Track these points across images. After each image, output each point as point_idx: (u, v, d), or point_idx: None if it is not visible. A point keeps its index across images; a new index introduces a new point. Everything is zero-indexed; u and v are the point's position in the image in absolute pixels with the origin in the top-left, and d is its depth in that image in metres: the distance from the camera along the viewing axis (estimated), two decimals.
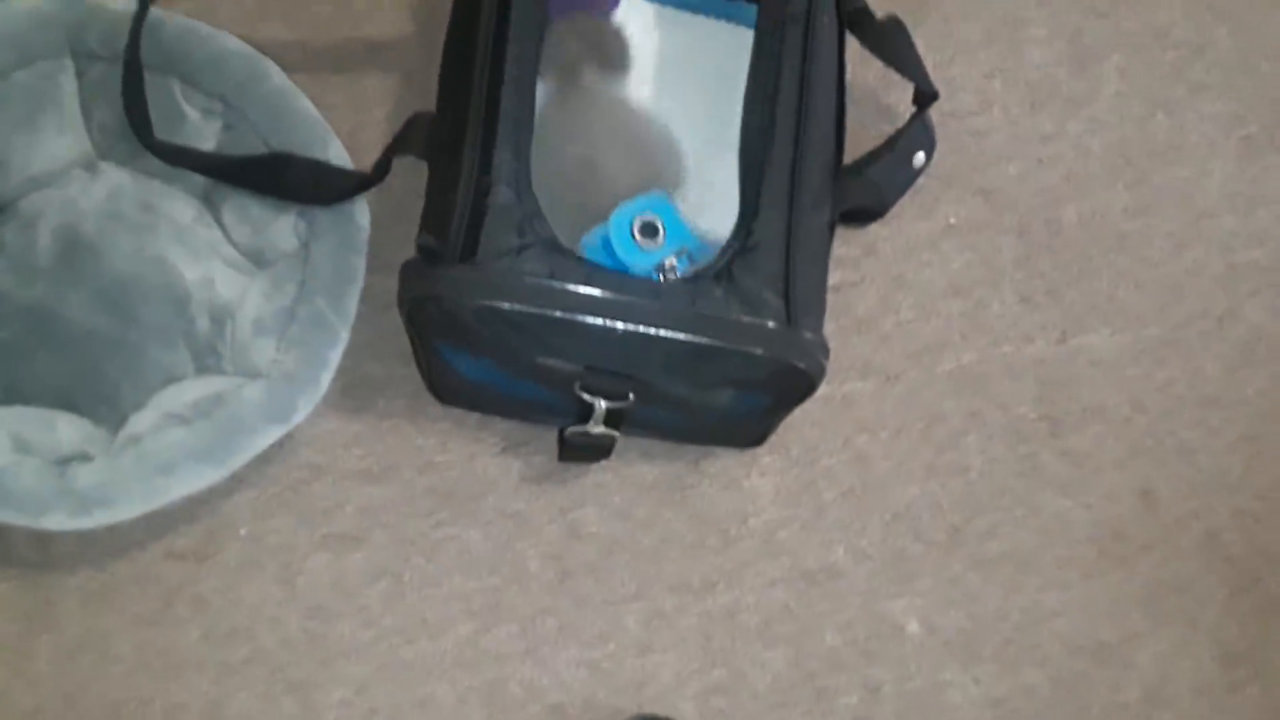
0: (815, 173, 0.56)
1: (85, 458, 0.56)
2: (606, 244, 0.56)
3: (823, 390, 0.68)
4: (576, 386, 0.56)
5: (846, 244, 0.71)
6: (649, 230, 0.57)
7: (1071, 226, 0.73)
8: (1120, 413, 0.70)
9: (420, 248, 0.53)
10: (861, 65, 0.69)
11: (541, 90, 0.57)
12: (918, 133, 0.65)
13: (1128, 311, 0.72)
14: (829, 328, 0.69)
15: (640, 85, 0.68)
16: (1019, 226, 0.73)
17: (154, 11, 0.62)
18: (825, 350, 0.55)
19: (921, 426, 0.69)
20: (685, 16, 0.70)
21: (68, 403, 0.59)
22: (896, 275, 0.71)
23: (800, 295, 0.53)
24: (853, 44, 0.66)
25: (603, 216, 0.57)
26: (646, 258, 0.56)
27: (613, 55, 0.67)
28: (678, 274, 0.55)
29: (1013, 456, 0.69)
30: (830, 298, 0.70)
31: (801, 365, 0.53)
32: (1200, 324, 0.72)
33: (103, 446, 0.57)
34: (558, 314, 0.51)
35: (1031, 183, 0.74)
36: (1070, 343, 0.71)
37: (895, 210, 0.70)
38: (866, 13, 0.62)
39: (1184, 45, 0.78)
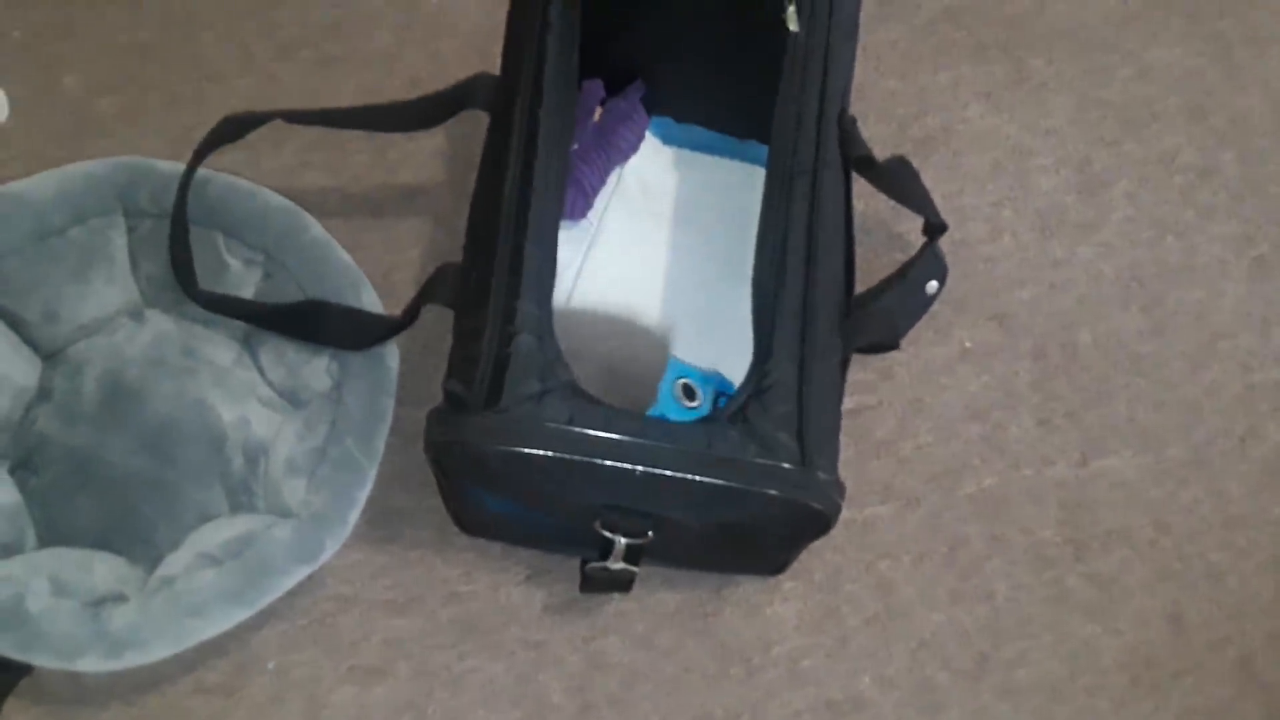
0: (825, 317, 0.56)
1: (120, 598, 0.57)
2: (664, 418, 0.59)
3: (844, 515, 0.67)
4: (597, 524, 0.56)
5: (864, 369, 0.71)
6: (689, 392, 0.60)
7: (1087, 349, 0.73)
8: (1145, 535, 0.69)
9: (447, 393, 0.54)
10: (873, 197, 0.70)
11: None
12: (929, 262, 0.66)
13: (1148, 433, 0.71)
14: (849, 451, 0.68)
15: (660, 225, 0.69)
16: (1034, 350, 0.73)
17: (200, 170, 0.64)
18: (840, 489, 0.55)
19: (944, 551, 0.68)
20: (702, 157, 0.73)
21: (105, 543, 0.59)
22: (914, 399, 0.71)
23: (813, 436, 0.53)
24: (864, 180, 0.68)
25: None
26: (698, 414, 0.60)
27: (635, 202, 0.69)
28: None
29: (1038, 582, 0.67)
30: (849, 422, 0.69)
31: (816, 505, 0.53)
32: (1222, 444, 0.71)
33: (137, 586, 0.58)
34: (577, 458, 0.52)
35: (1045, 307, 0.74)
36: (1091, 465, 0.70)
37: (911, 336, 0.70)
38: (870, 159, 0.63)
39: (1191, 170, 0.79)
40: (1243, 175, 0.79)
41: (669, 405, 0.60)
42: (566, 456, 0.52)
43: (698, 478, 0.52)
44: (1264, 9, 0.84)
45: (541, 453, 0.52)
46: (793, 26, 0.61)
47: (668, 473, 0.52)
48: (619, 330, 0.65)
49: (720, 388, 0.63)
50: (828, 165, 0.59)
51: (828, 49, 0.61)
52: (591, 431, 0.52)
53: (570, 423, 0.52)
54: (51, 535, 0.60)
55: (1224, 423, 0.71)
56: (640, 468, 0.52)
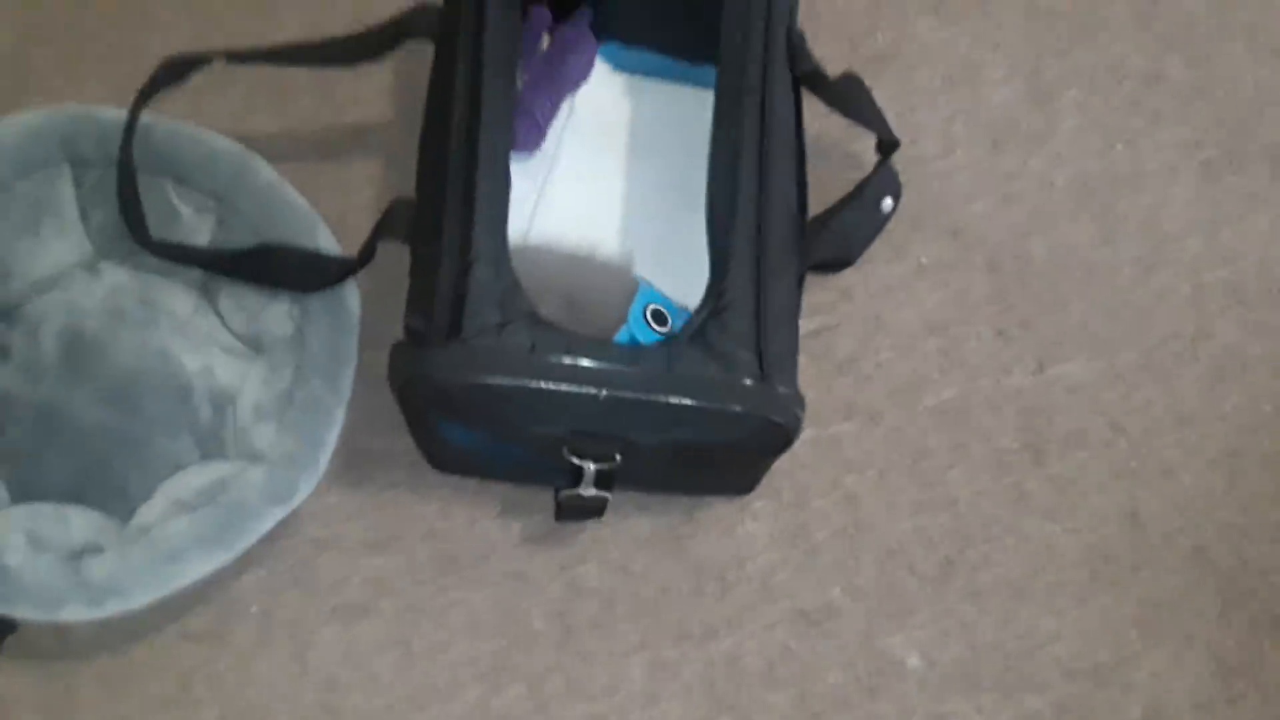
0: (779, 234, 0.57)
1: (97, 549, 0.58)
2: (633, 340, 0.60)
3: (809, 433, 0.69)
4: (565, 451, 0.57)
5: (823, 289, 0.72)
6: (659, 318, 0.61)
7: (1040, 260, 0.75)
8: (1101, 437, 0.71)
9: (408, 329, 0.54)
10: (826, 117, 0.71)
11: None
12: (883, 179, 0.67)
13: (1101, 338, 0.73)
14: (811, 371, 0.70)
15: (615, 155, 0.70)
16: (989, 263, 0.74)
17: (144, 116, 0.64)
18: (800, 403, 0.56)
19: (908, 463, 0.70)
20: (653, 84, 0.73)
21: (78, 496, 0.60)
22: (873, 316, 0.73)
23: (773, 352, 0.55)
24: (817, 99, 0.69)
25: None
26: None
27: (588, 132, 0.69)
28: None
29: (998, 487, 0.69)
30: (810, 342, 0.71)
31: (778, 420, 0.54)
32: (1173, 345, 0.73)
33: (113, 536, 0.59)
34: (541, 384, 0.53)
35: (998, 220, 0.75)
36: (1047, 372, 0.72)
37: (868, 254, 0.71)
38: (820, 74, 0.64)
39: (1138, 76, 0.80)
40: (1189, 80, 0.80)
41: (640, 327, 0.61)
42: (530, 384, 0.53)
43: (660, 398, 0.53)
44: None
45: (505, 381, 0.52)
46: None
47: (630, 394, 0.53)
48: (580, 263, 0.66)
49: (689, 320, 0.63)
50: (777, 81, 0.60)
51: None
52: (553, 358, 0.53)
53: (532, 350, 0.53)
54: (23, 492, 0.60)
55: (1174, 325, 0.74)
56: (604, 391, 0.53)
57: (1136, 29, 0.81)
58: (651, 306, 0.61)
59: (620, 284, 0.64)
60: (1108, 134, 0.78)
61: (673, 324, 0.61)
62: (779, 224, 0.57)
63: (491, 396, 0.53)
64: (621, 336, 0.61)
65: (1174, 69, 0.80)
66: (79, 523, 0.58)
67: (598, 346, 0.54)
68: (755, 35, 0.60)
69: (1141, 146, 0.78)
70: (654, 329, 0.61)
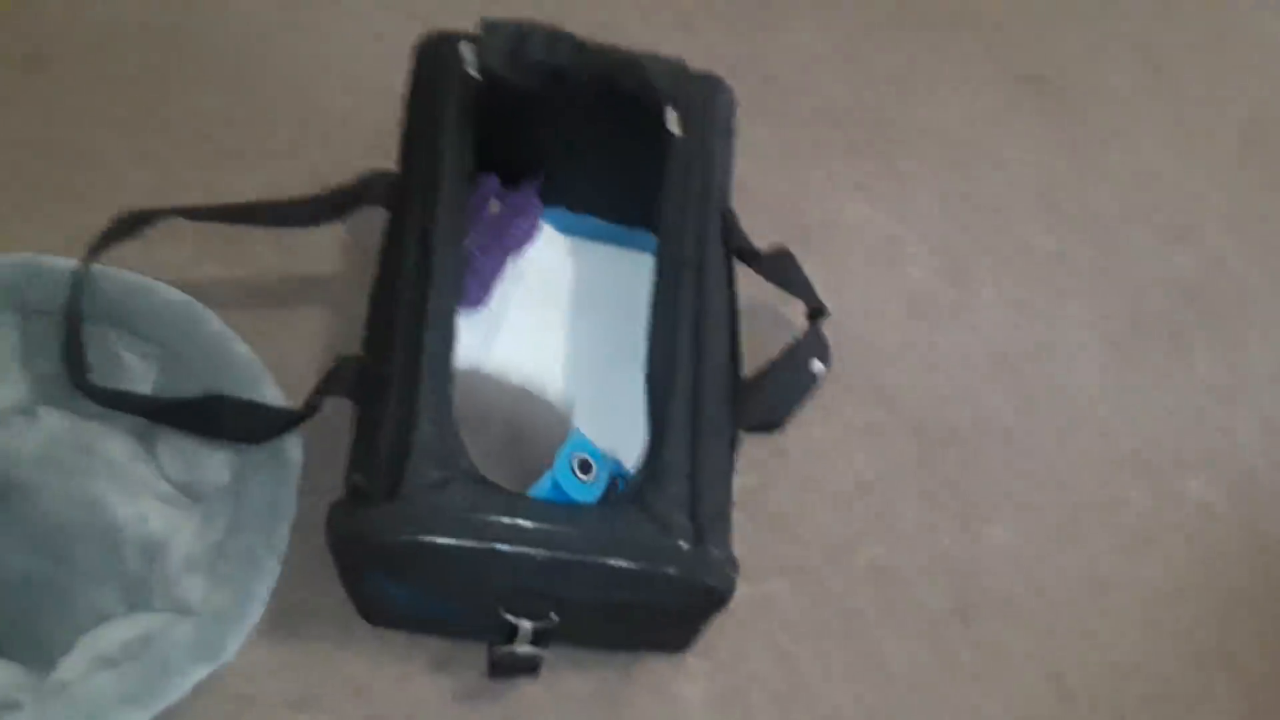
0: (714, 398, 0.59)
1: (14, 706, 0.55)
2: (556, 486, 0.61)
3: (744, 590, 0.69)
4: (501, 609, 0.57)
5: (758, 447, 0.74)
6: (585, 467, 0.61)
7: (963, 425, 0.78)
8: (1024, 601, 0.73)
9: (348, 486, 0.55)
10: (759, 284, 0.74)
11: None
12: (812, 343, 0.70)
13: (1023, 503, 0.76)
14: (746, 528, 0.71)
15: (558, 312, 0.72)
16: (915, 427, 0.77)
17: (96, 266, 0.65)
18: (734, 565, 0.57)
19: (840, 624, 0.70)
20: (595, 246, 0.76)
21: None
22: (806, 476, 0.75)
23: (706, 514, 0.56)
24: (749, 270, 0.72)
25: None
26: (593, 489, 0.61)
27: (533, 290, 0.72)
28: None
29: (929, 652, 0.70)
30: (746, 499, 0.72)
31: (711, 582, 0.55)
32: (1090, 511, 0.76)
33: (31, 692, 0.56)
34: (480, 545, 0.53)
35: (922, 386, 0.79)
36: (974, 534, 0.74)
37: (801, 416, 0.73)
38: (752, 249, 0.68)
39: (1047, 256, 0.86)
40: (1094, 260, 0.86)
41: (565, 475, 0.61)
42: (469, 544, 0.53)
43: (598, 560, 0.54)
44: (1106, 107, 0.93)
45: (444, 540, 0.53)
46: (674, 130, 0.65)
47: (569, 556, 0.54)
48: (525, 397, 0.67)
49: (615, 471, 0.65)
50: (712, 257, 0.63)
51: (707, 149, 0.66)
52: (493, 517, 0.54)
53: (472, 509, 0.53)
54: None
55: (1090, 492, 0.77)
56: (542, 552, 0.53)
57: (1044, 212, 0.87)
58: (579, 456, 0.62)
59: (559, 425, 0.66)
60: (1020, 308, 0.83)
61: (597, 472, 0.62)
62: (714, 389, 0.60)
63: (430, 555, 0.53)
64: (545, 482, 0.61)
65: (1079, 250, 0.86)
66: None
67: (537, 507, 0.55)
68: (691, 214, 0.64)
69: (1052, 320, 0.83)
70: (579, 477, 0.62)
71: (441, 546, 0.53)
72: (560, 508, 0.55)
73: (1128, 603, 0.74)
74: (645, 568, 0.54)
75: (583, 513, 0.55)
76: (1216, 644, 0.73)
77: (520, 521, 0.54)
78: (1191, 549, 0.76)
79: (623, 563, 0.54)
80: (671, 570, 0.54)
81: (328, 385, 0.60)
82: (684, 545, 0.55)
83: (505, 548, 0.53)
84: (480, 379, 0.66)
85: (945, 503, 0.75)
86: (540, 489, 0.61)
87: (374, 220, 0.70)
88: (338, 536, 0.54)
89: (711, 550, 0.55)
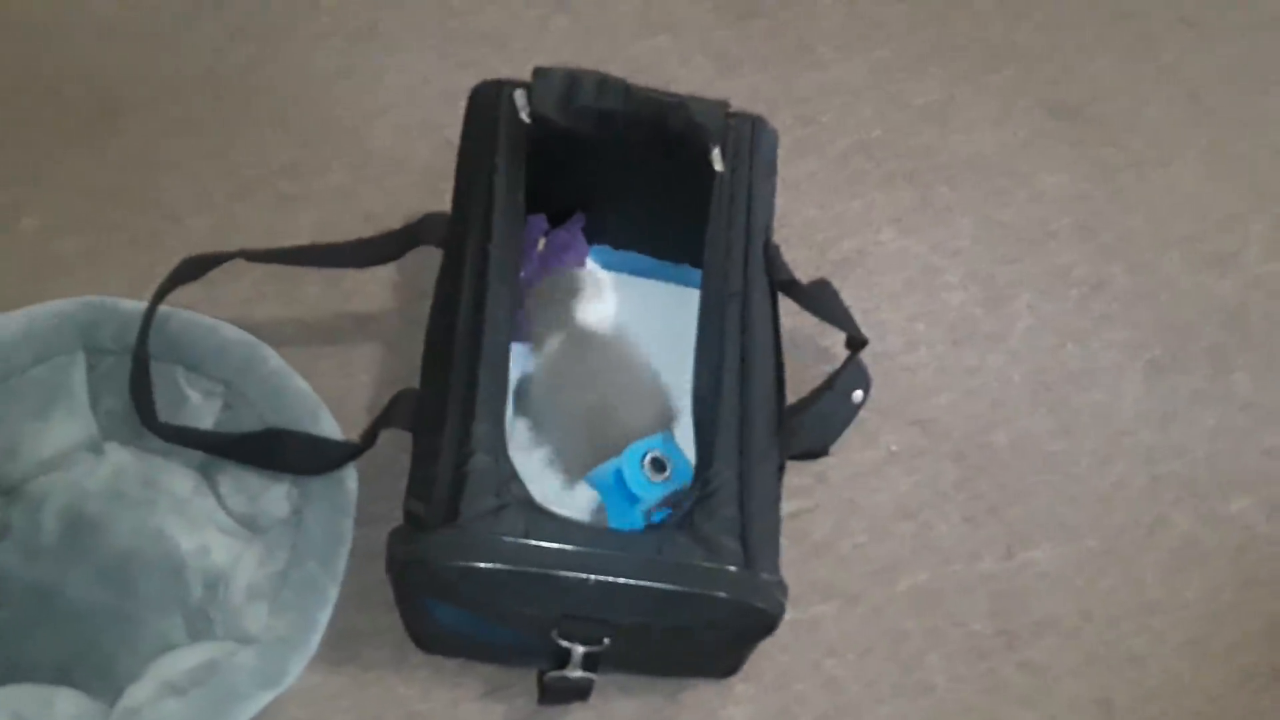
0: (760, 426, 0.61)
1: None
2: (619, 476, 0.61)
3: (790, 615, 0.70)
4: (554, 634, 0.58)
5: (801, 475, 0.75)
6: (658, 465, 0.63)
7: (1003, 449, 0.78)
8: (1071, 623, 0.73)
9: (407, 514, 0.56)
10: (799, 315, 0.75)
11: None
12: (853, 373, 0.71)
13: (1065, 525, 0.76)
14: (791, 553, 0.72)
15: (617, 340, 0.74)
16: (955, 452, 0.78)
17: (161, 307, 0.67)
18: (783, 589, 0.58)
19: (886, 646, 0.71)
20: (639, 281, 0.78)
21: (65, 677, 0.60)
22: (848, 501, 0.75)
23: (756, 538, 0.57)
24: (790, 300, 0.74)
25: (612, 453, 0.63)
26: (655, 489, 0.62)
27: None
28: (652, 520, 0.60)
29: (974, 673, 0.70)
30: (790, 525, 0.73)
31: (761, 605, 0.56)
32: (1133, 533, 0.76)
33: None
34: (533, 570, 0.54)
35: (962, 412, 0.79)
36: (1016, 558, 0.74)
37: (841, 442, 0.74)
38: (794, 281, 0.69)
39: (1085, 283, 0.86)
40: (1132, 286, 0.86)
41: (632, 468, 0.61)
42: (523, 569, 0.54)
43: (649, 584, 0.55)
44: (1141, 135, 0.93)
45: (499, 566, 0.54)
46: (718, 167, 0.67)
47: (621, 580, 0.55)
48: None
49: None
50: (755, 290, 0.65)
51: (750, 186, 0.68)
52: (546, 544, 0.55)
53: (526, 535, 0.55)
54: (11, 672, 0.60)
55: (1133, 514, 0.77)
56: (594, 577, 0.54)
57: (1080, 239, 0.88)
58: (655, 453, 0.62)
59: (654, 408, 0.66)
60: (1059, 334, 0.83)
61: (671, 474, 0.62)
62: (761, 419, 0.61)
63: (486, 581, 0.55)
64: (608, 469, 0.62)
65: (1117, 277, 0.86)
66: (64, 706, 0.58)
67: (590, 533, 0.56)
68: (736, 248, 0.66)
69: (1091, 346, 0.83)
70: (647, 474, 0.62)
71: (496, 572, 0.54)
72: (613, 533, 0.57)
73: (1173, 624, 0.73)
74: (695, 591, 0.55)
75: (635, 538, 0.57)
76: (1264, 663, 0.72)
77: (573, 547, 0.55)
78: (1236, 569, 0.75)
79: (673, 586, 0.55)
80: (722, 594, 0.55)
81: (387, 417, 0.62)
82: (734, 569, 0.56)
83: (559, 573, 0.54)
84: (587, 339, 0.67)
85: (987, 526, 0.75)
86: (601, 475, 0.62)
87: (423, 260, 0.72)
88: (397, 562, 0.56)
89: (761, 574, 0.56)
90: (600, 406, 0.66)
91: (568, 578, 0.54)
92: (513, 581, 0.55)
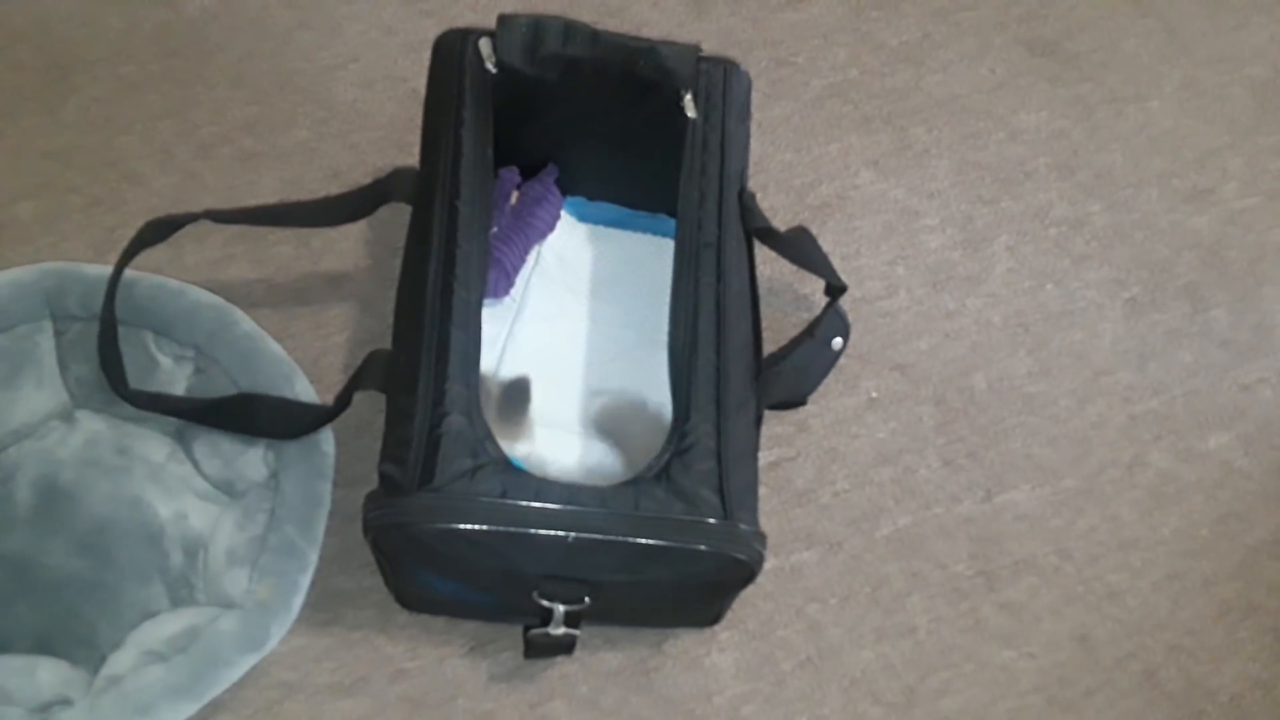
0: (737, 378, 0.60)
1: (66, 702, 0.57)
2: None
3: (772, 563, 0.71)
4: (535, 594, 0.58)
5: (781, 423, 0.75)
6: None
7: (982, 393, 0.78)
8: (1049, 563, 0.73)
9: (383, 476, 0.56)
10: (777, 263, 0.75)
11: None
12: (832, 320, 0.70)
13: (1043, 466, 0.76)
14: (772, 501, 0.72)
15: (579, 298, 0.73)
16: (935, 396, 0.77)
17: (128, 272, 0.66)
18: (762, 539, 0.58)
19: (868, 591, 0.71)
20: (614, 232, 0.76)
21: (47, 647, 0.59)
22: (829, 449, 0.75)
23: (734, 490, 0.56)
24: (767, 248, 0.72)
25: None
26: None
27: (555, 277, 0.72)
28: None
29: (955, 613, 0.71)
30: (770, 473, 0.73)
31: (741, 556, 0.56)
32: (1111, 472, 0.76)
33: (82, 689, 0.57)
34: (512, 529, 0.54)
35: (941, 356, 0.79)
36: (995, 500, 0.74)
37: (821, 390, 0.74)
38: (770, 229, 0.68)
39: (1063, 222, 0.85)
40: (1110, 224, 0.85)
41: None
42: (501, 529, 0.54)
43: (628, 539, 0.54)
44: (1118, 71, 0.92)
45: (477, 527, 0.54)
46: (691, 114, 0.65)
47: (599, 536, 0.54)
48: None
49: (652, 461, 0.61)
50: (731, 238, 0.63)
51: (724, 132, 0.66)
52: (524, 503, 0.54)
53: (503, 496, 0.54)
54: None
55: (1111, 453, 0.77)
56: (572, 534, 0.54)
57: (1059, 178, 0.87)
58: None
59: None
60: (1038, 275, 0.83)
61: None
62: (737, 370, 0.60)
63: (464, 542, 0.54)
64: None
65: (1095, 215, 0.86)
66: (47, 675, 0.57)
67: (567, 490, 0.56)
68: (711, 196, 0.64)
69: (1070, 286, 0.82)
70: None
71: (474, 533, 0.54)
72: (590, 490, 0.56)
73: (1151, 560, 0.74)
74: (675, 545, 0.55)
75: (612, 492, 0.56)
76: (1241, 596, 0.73)
77: (550, 505, 0.54)
78: (1213, 505, 0.76)
79: (653, 541, 0.55)
80: (701, 546, 0.55)
81: (359, 379, 0.60)
82: (712, 521, 0.56)
83: (537, 531, 0.54)
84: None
85: (966, 469, 0.75)
86: None
87: (394, 215, 0.70)
88: (374, 526, 0.55)
89: (740, 525, 0.56)
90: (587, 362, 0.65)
91: (546, 536, 0.54)
92: (491, 541, 0.54)
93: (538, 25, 0.64)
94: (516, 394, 0.67)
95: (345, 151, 0.80)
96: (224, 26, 0.83)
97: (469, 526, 0.53)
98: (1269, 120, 0.92)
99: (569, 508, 0.54)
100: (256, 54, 0.83)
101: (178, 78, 0.81)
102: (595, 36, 0.64)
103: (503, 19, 0.64)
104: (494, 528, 0.54)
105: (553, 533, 0.54)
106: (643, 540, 0.54)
